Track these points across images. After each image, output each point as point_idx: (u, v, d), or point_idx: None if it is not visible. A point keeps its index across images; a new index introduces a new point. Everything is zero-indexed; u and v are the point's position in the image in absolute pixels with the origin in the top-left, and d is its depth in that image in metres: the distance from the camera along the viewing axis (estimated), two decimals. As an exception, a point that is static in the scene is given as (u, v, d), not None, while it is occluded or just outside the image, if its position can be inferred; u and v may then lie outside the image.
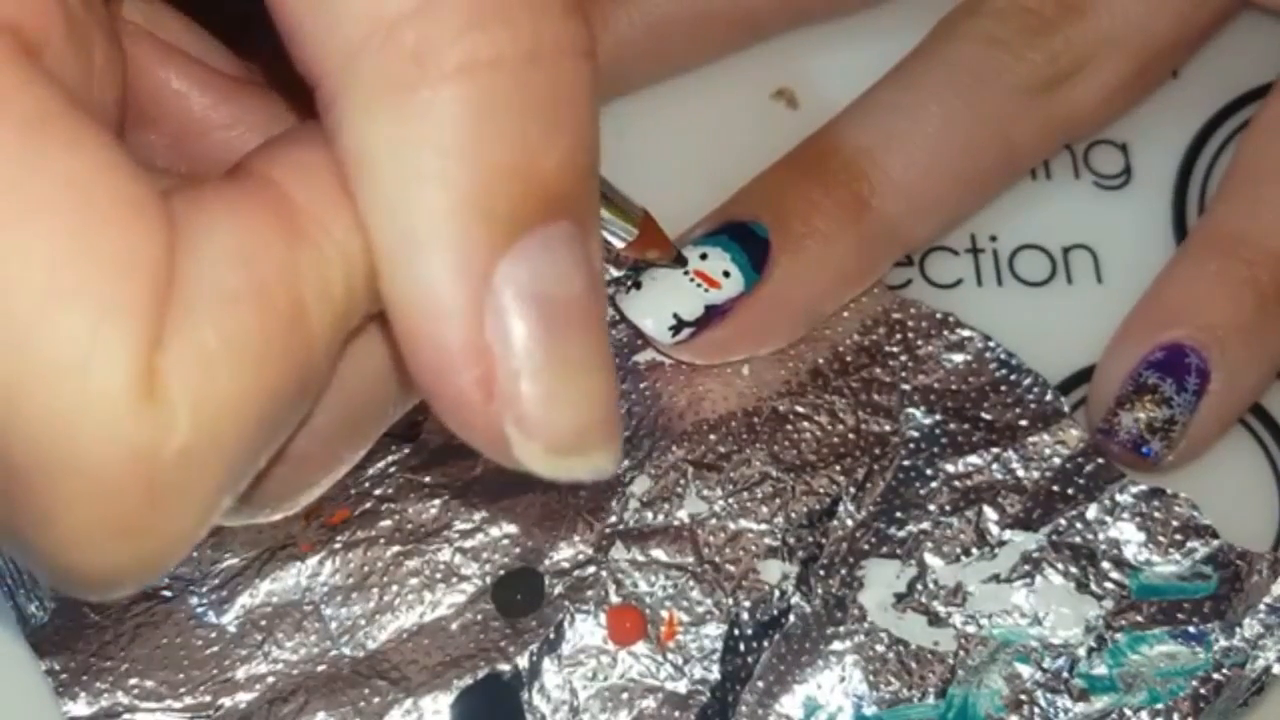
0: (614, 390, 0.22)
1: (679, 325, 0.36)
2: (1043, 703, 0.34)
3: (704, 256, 0.37)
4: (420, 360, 0.21)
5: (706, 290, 0.36)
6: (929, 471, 0.36)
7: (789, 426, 0.37)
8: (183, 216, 0.20)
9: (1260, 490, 0.38)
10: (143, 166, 0.20)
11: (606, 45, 0.39)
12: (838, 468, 0.36)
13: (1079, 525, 0.36)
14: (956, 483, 0.36)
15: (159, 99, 0.26)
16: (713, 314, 0.36)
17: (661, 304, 0.37)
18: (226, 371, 0.19)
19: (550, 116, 0.21)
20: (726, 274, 0.36)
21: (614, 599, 0.35)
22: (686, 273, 0.36)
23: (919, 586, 0.35)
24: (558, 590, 0.35)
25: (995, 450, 0.37)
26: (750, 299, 0.36)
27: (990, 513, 0.36)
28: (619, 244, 0.34)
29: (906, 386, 0.37)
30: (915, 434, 0.37)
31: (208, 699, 0.34)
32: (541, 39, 0.20)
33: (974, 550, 0.36)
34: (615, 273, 0.38)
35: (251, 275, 0.20)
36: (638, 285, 0.37)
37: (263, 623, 0.34)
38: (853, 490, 0.36)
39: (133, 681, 0.34)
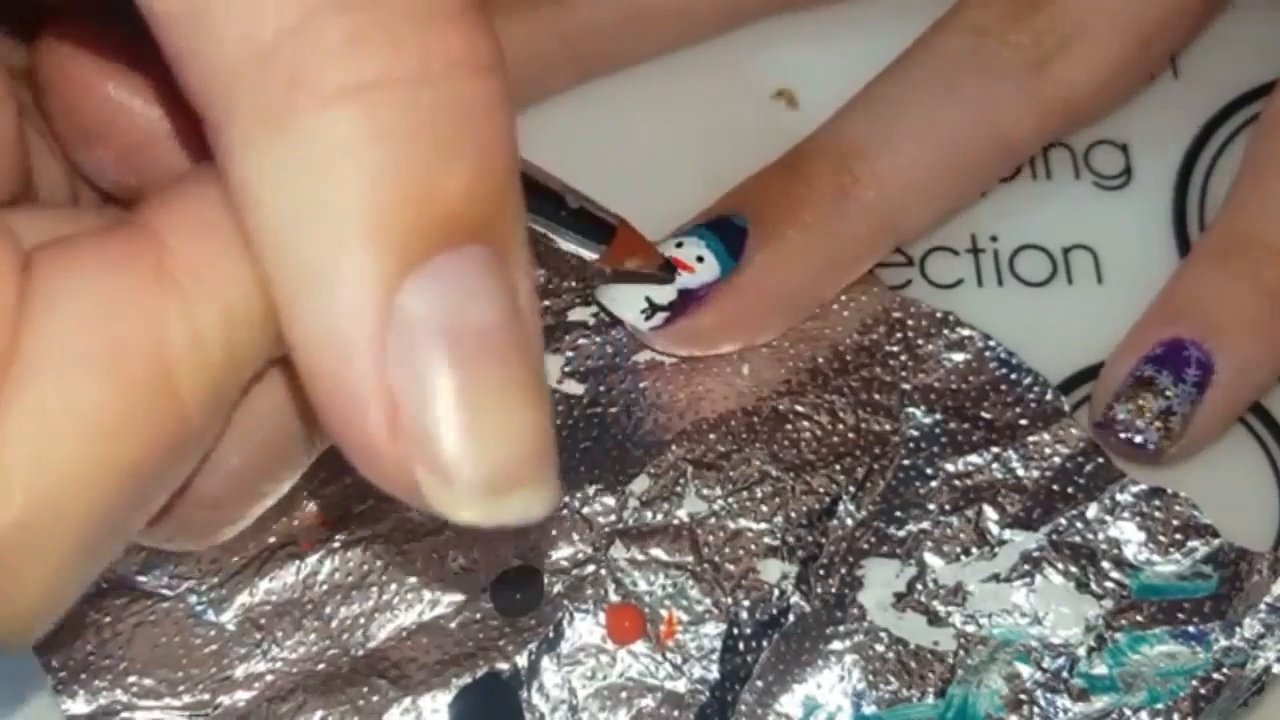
0: (544, 425, 0.20)
1: (651, 309, 0.36)
2: (1042, 702, 0.34)
3: (679, 245, 0.37)
4: (322, 400, 0.19)
5: (678, 274, 0.36)
6: (929, 471, 0.36)
7: (789, 426, 0.37)
8: (45, 273, 0.19)
9: (1260, 490, 0.38)
10: (5, 226, 0.19)
11: (586, 21, 0.39)
12: (837, 467, 0.36)
13: (1079, 525, 0.36)
14: (956, 482, 0.36)
15: (103, 114, 0.25)
16: (688, 299, 0.36)
17: (633, 289, 0.37)
18: (71, 440, 0.18)
19: (448, 136, 0.19)
20: (700, 259, 0.36)
21: (613, 598, 0.35)
22: None
23: (919, 586, 0.35)
24: (557, 589, 0.35)
25: (995, 450, 0.36)
26: (729, 286, 0.36)
27: (990, 512, 0.36)
28: (592, 256, 0.34)
29: (906, 386, 0.37)
30: (915, 433, 0.37)
31: (206, 697, 0.34)
32: (431, 56, 0.19)
33: (974, 550, 0.35)
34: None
35: (106, 334, 0.19)
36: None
37: (262, 621, 0.34)
38: (852, 489, 0.36)
39: (131, 680, 0.34)
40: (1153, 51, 0.39)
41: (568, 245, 0.34)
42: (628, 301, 0.37)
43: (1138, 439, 0.36)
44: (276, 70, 0.19)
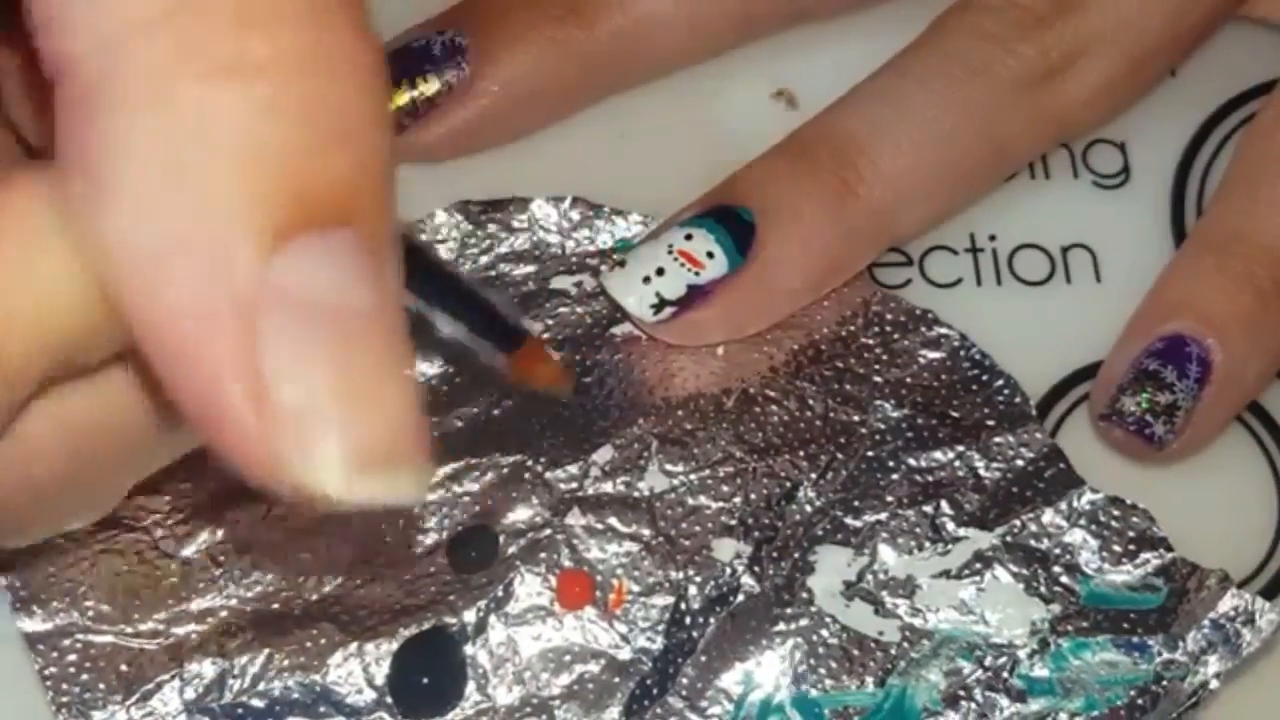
0: (410, 407, 0.20)
1: (661, 304, 0.37)
2: (980, 700, 0.34)
3: (689, 237, 0.37)
4: (181, 380, 0.19)
5: (690, 270, 0.37)
6: (891, 464, 0.37)
7: (757, 409, 0.37)
8: None
9: (1260, 490, 0.38)
10: None
11: (601, 40, 0.39)
12: (801, 453, 0.37)
13: (1034, 528, 0.36)
14: (918, 477, 0.36)
15: None
16: (695, 294, 0.37)
17: (645, 283, 0.37)
18: None
19: (326, 126, 0.19)
20: (710, 255, 0.37)
21: (566, 563, 0.35)
22: (670, 251, 0.37)
23: (869, 576, 0.35)
24: (511, 550, 0.35)
25: (960, 448, 0.37)
26: (733, 281, 0.37)
27: (947, 508, 0.36)
28: (492, 364, 0.32)
29: (878, 379, 0.38)
30: (882, 426, 0.37)
31: (161, 626, 0.35)
32: (319, 47, 0.19)
33: (927, 545, 0.36)
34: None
35: None
36: (621, 264, 0.37)
37: (221, 558, 0.35)
38: (814, 476, 0.36)
39: (89, 604, 0.35)
40: (1152, 71, 0.39)
41: (467, 342, 0.31)
42: (638, 295, 0.37)
43: (1149, 432, 0.36)
44: (164, 39, 0.19)
